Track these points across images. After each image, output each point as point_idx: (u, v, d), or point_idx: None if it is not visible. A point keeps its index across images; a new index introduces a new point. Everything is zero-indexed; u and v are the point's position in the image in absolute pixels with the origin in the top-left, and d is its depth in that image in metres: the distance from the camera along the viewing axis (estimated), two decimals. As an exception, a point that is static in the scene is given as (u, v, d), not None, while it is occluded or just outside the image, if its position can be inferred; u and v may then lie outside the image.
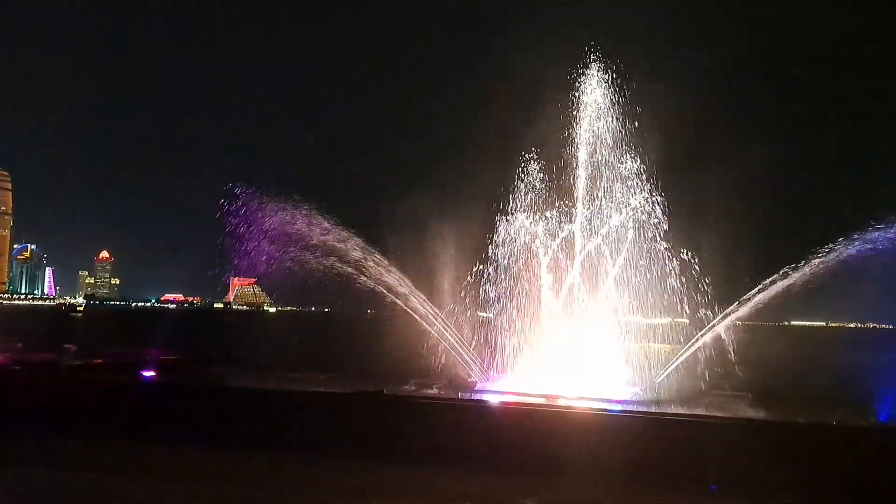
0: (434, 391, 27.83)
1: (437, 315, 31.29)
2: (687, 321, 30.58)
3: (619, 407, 25.08)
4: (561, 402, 25.86)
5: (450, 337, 30.92)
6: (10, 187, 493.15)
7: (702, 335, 29.72)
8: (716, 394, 27.50)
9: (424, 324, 31.01)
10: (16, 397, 28.23)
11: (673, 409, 24.65)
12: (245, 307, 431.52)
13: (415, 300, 31.40)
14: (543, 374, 29.06)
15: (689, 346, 29.69)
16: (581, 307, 31.06)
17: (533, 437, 23.15)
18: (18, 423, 26.65)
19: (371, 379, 30.40)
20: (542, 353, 30.48)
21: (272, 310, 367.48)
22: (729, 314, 29.71)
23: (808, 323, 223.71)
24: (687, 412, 24.36)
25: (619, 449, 21.91)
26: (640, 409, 24.94)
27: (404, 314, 31.80)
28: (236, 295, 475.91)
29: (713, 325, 29.72)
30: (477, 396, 27.25)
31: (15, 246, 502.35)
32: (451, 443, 23.54)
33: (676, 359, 29.39)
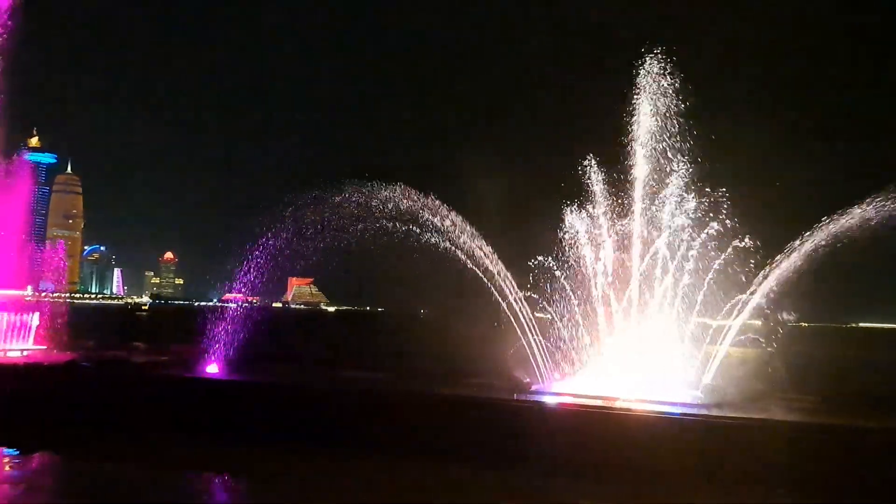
0: (490, 392, 27.74)
1: (530, 320, 30.88)
2: (759, 323, 29.61)
3: (678, 410, 24.59)
4: (619, 405, 25.51)
5: (533, 340, 30.58)
6: (81, 191, 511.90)
7: (725, 334, 28.85)
8: (781, 397, 26.70)
9: (518, 330, 30.62)
10: (85, 394, 29.30)
11: (734, 413, 24.04)
12: (303, 306, 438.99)
13: (515, 304, 31.00)
14: (603, 376, 28.62)
15: (719, 348, 28.83)
16: (642, 308, 30.41)
17: (590, 439, 22.91)
18: (90, 420, 27.64)
19: (427, 378, 30.53)
20: (602, 355, 30.00)
21: (331, 308, 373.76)
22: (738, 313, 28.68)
23: (877, 325, 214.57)
24: (746, 416, 23.75)
25: (676, 452, 21.54)
26: (700, 412, 24.41)
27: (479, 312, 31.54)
28: (294, 294, 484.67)
29: (727, 324, 28.81)
30: (534, 398, 27.07)
31: (85, 248, 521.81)
32: (506, 443, 23.51)
33: (712, 360, 28.56)
